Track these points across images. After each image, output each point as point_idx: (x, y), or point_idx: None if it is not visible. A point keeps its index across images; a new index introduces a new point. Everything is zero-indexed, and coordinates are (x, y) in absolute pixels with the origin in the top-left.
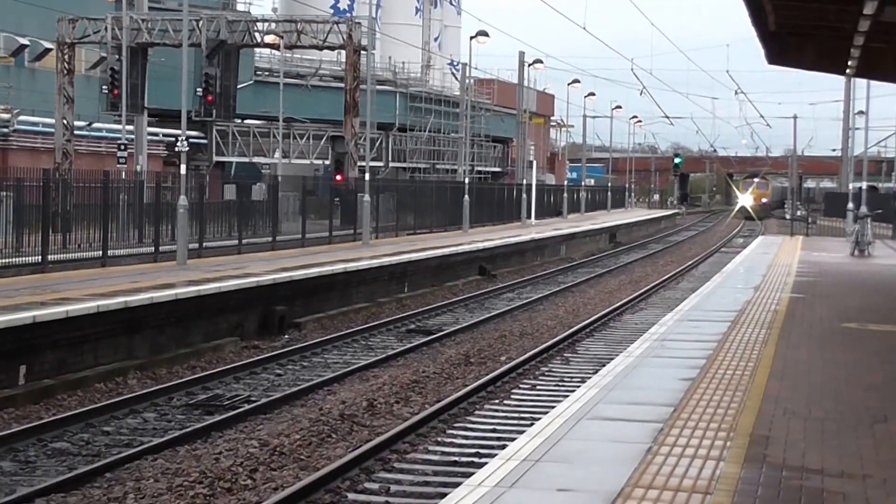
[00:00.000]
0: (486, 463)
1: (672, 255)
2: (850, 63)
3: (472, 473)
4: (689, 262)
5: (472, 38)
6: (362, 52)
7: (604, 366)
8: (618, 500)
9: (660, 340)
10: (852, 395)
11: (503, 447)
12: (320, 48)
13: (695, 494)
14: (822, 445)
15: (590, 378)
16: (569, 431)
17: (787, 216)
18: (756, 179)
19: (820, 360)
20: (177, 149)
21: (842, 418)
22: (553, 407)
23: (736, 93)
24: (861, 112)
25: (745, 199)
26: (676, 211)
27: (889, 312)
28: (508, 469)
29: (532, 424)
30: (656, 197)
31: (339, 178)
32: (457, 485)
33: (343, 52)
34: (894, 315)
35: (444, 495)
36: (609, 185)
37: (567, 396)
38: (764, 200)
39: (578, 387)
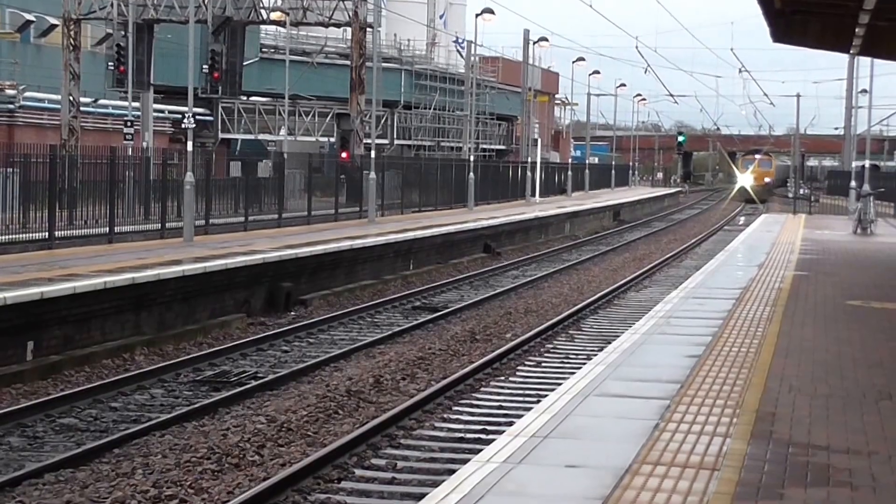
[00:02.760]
0: (492, 439)
1: (675, 233)
2: (854, 41)
3: (479, 450)
4: (693, 240)
5: (477, 15)
6: (368, 29)
7: (609, 343)
8: (626, 477)
9: (665, 318)
10: (857, 373)
11: (509, 424)
12: (326, 25)
13: (702, 470)
14: (828, 422)
15: (595, 355)
16: (576, 408)
17: (790, 194)
18: (758, 157)
19: (824, 338)
20: (183, 126)
21: (847, 395)
22: (558, 384)
23: (740, 71)
24: (864, 91)
25: (745, 179)
26: (679, 189)
27: (892, 290)
28: (517, 445)
29: (538, 401)
30: (660, 175)
31: (344, 155)
32: (464, 461)
33: (349, 29)
34: None
35: (451, 471)
36: (613, 163)
37: (572, 373)
38: (767, 180)
39: (583, 364)
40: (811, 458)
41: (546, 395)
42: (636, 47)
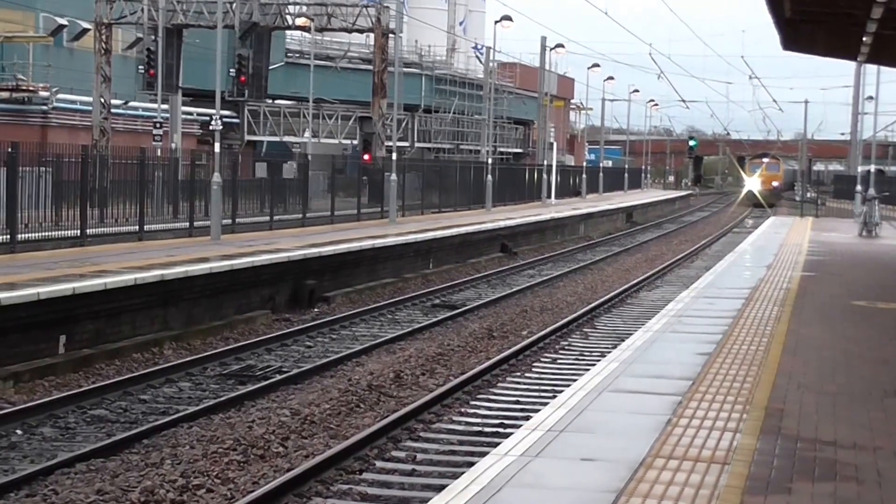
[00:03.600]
0: (509, 433)
1: (686, 235)
2: (862, 49)
3: (496, 443)
4: (703, 242)
5: (496, 22)
6: (390, 35)
7: (622, 340)
8: (640, 470)
9: (677, 316)
10: (863, 370)
11: (526, 418)
12: (349, 31)
13: (713, 465)
14: (835, 418)
15: (608, 352)
16: (591, 403)
17: (797, 198)
18: (765, 160)
19: (831, 337)
20: (211, 128)
21: (853, 392)
22: (573, 379)
23: (750, 77)
24: (870, 97)
25: (753, 183)
26: (690, 192)
27: None
28: (534, 439)
29: (553, 396)
30: (671, 178)
31: (366, 157)
32: (482, 454)
33: (371, 35)
34: None
35: (469, 464)
36: (626, 166)
37: (587, 370)
38: (775, 184)
39: (597, 360)
40: (818, 454)
41: (561, 391)
42: (650, 54)
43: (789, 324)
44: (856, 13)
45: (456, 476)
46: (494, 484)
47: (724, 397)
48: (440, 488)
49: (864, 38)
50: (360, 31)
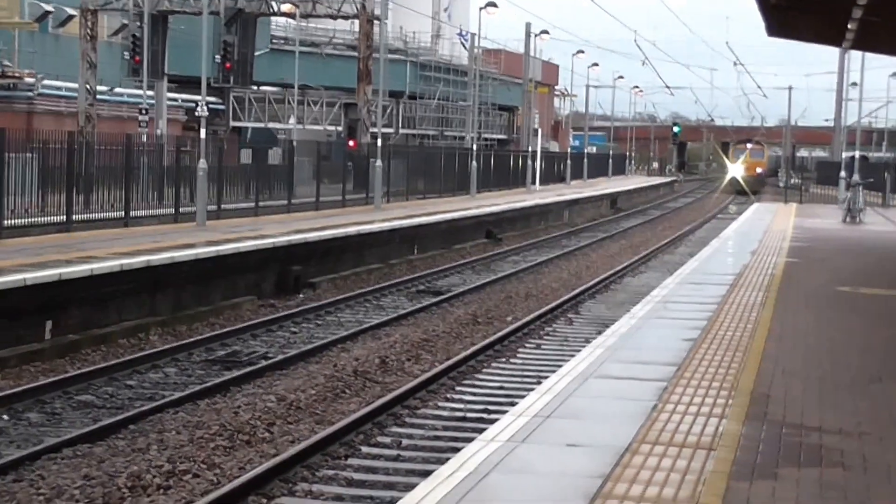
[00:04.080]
0: (494, 419)
1: (670, 221)
2: (847, 36)
3: (481, 429)
4: (687, 228)
5: (481, 9)
6: (375, 21)
7: (606, 326)
8: (626, 455)
9: (662, 302)
10: (848, 356)
11: (510, 404)
12: (335, 17)
13: (699, 450)
14: (820, 404)
15: (592, 338)
16: (577, 389)
17: (781, 184)
18: (749, 146)
19: (816, 323)
20: (196, 114)
21: (838, 378)
22: (557, 365)
23: (735, 64)
24: (854, 84)
25: (736, 170)
26: (674, 178)
27: (881, 277)
28: (520, 425)
29: (538, 382)
30: (655, 165)
31: (352, 143)
32: (466, 440)
33: (356, 21)
34: (886, 279)
35: (454, 449)
36: (610, 152)
37: (571, 355)
38: (759, 170)
39: (582, 346)
40: (804, 439)
41: (545, 377)
42: (634, 41)
43: (774, 310)
44: (841, 0)
45: (441, 461)
46: (481, 469)
47: (709, 383)
48: (425, 473)
49: (849, 25)
50: (346, 18)
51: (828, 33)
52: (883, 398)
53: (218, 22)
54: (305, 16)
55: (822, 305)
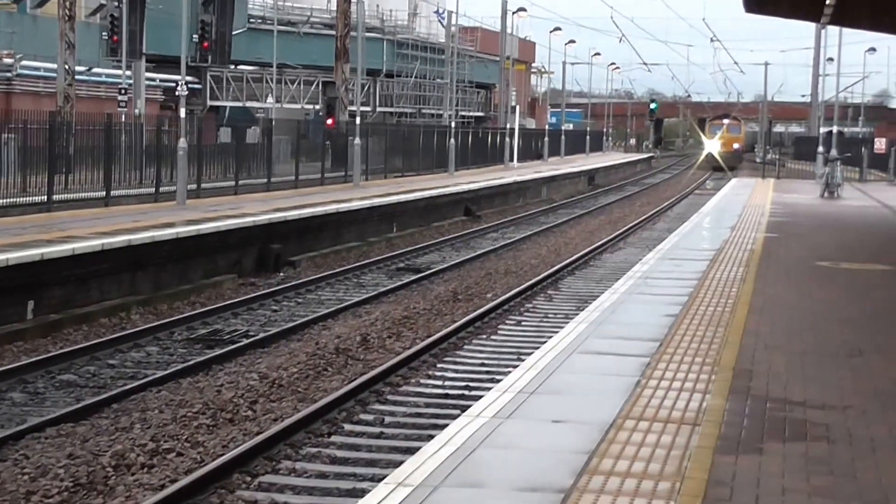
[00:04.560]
0: (475, 395)
1: (648, 197)
2: (825, 11)
3: (463, 405)
4: (665, 204)
5: None
6: (353, 0)
7: (586, 303)
8: (611, 431)
9: (643, 278)
10: (829, 330)
11: (492, 380)
12: None
13: (683, 426)
14: (803, 378)
15: (573, 314)
16: (561, 365)
17: (758, 159)
18: (726, 121)
19: (796, 297)
20: (177, 93)
21: (820, 352)
22: (538, 341)
23: (711, 40)
24: (830, 59)
25: (713, 146)
26: (651, 154)
27: (860, 251)
28: (505, 401)
29: (518, 358)
30: (632, 141)
31: (330, 122)
32: (449, 416)
33: (333, 0)
34: (865, 254)
35: (436, 426)
36: (587, 129)
37: (552, 331)
38: (736, 146)
39: (562, 322)
40: (788, 414)
41: (527, 353)
42: (611, 17)
43: (754, 285)
44: None
45: (423, 438)
46: (468, 445)
47: (692, 358)
48: (408, 451)
49: (827, 0)
50: None
51: (806, 8)
52: (865, 371)
53: (195, 1)
54: None
55: (803, 280)
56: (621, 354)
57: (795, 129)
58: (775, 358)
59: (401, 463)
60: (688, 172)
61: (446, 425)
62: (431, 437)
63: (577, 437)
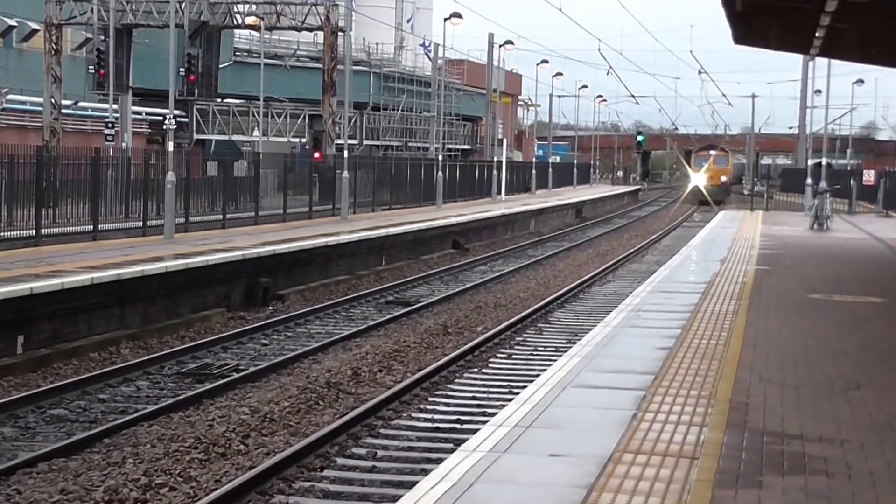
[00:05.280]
0: (467, 429)
1: (636, 230)
2: (814, 43)
3: (455, 439)
4: (653, 237)
5: (445, 19)
6: (340, 33)
7: (576, 335)
8: (609, 465)
9: (635, 311)
10: (824, 363)
11: (483, 413)
12: (299, 29)
13: (682, 459)
14: (800, 411)
15: (563, 347)
16: (556, 398)
17: (745, 191)
18: (713, 152)
19: (789, 330)
20: (164, 127)
21: (816, 385)
22: (529, 374)
23: (699, 72)
24: (818, 91)
25: (699, 179)
26: (639, 187)
27: (851, 284)
28: (501, 435)
29: (510, 391)
30: (620, 173)
31: (317, 155)
32: (441, 450)
33: (320, 33)
34: (857, 286)
35: (429, 460)
36: (574, 161)
37: (542, 364)
38: (723, 179)
39: (552, 355)
40: (786, 447)
41: (518, 386)
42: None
43: (747, 317)
44: (808, 7)
45: (416, 472)
46: (465, 480)
47: (687, 391)
48: (401, 485)
49: (817, 32)
50: (310, 30)
51: (795, 40)
52: (861, 405)
53: (182, 35)
54: (270, 28)
55: (795, 313)
56: (616, 388)
57: (782, 160)
58: (770, 391)
59: (395, 497)
60: (675, 205)
61: (439, 459)
62: (424, 470)
63: (575, 471)
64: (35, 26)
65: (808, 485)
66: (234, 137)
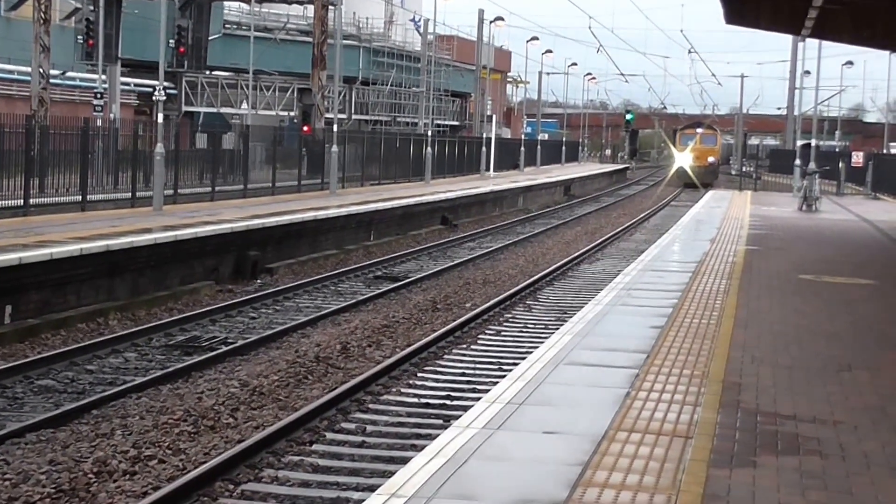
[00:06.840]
0: (456, 405)
1: (624, 208)
2: (806, 23)
3: (444, 415)
4: (642, 215)
5: None
6: (330, 6)
7: (565, 313)
8: (603, 443)
9: (626, 289)
10: (815, 344)
11: (472, 390)
12: (289, 2)
13: (676, 438)
14: (793, 392)
15: (552, 324)
16: (548, 376)
17: (733, 171)
18: (699, 130)
19: (781, 310)
20: (154, 98)
21: (808, 366)
22: (518, 351)
23: (689, 52)
24: (807, 72)
25: (684, 159)
26: (627, 166)
27: (841, 265)
28: (494, 411)
29: (499, 368)
30: (608, 152)
31: (306, 129)
32: (430, 426)
33: (310, 7)
34: (847, 268)
35: (418, 435)
36: (563, 139)
37: (531, 341)
38: (711, 160)
39: (541, 332)
40: (780, 427)
41: (507, 363)
42: (589, 27)
43: (738, 297)
44: None
45: (405, 448)
46: (458, 457)
47: (680, 370)
48: (391, 460)
49: (809, 12)
50: (300, 3)
51: (787, 20)
52: (853, 386)
53: (172, 6)
54: (260, 0)
55: (786, 293)
56: (609, 366)
57: (770, 141)
58: (763, 371)
59: (385, 472)
60: (663, 184)
61: (428, 435)
62: (414, 446)
63: (569, 449)
64: None
65: (803, 465)
66: (223, 110)
